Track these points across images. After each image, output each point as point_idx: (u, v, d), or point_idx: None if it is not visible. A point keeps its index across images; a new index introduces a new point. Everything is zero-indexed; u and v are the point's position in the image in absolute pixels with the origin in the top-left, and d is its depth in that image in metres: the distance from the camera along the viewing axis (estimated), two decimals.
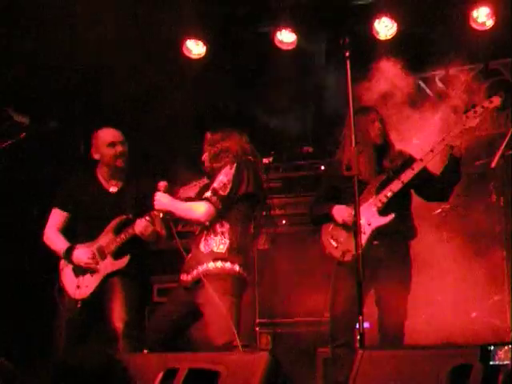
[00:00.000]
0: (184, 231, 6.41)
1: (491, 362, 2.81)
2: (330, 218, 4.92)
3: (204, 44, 7.12)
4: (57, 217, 5.34)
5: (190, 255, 4.73)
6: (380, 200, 4.84)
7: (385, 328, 4.82)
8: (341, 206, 4.87)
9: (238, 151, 4.74)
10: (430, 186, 4.98)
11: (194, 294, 4.59)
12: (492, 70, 6.96)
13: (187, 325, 4.74)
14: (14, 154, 5.43)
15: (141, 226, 5.02)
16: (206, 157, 4.88)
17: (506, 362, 2.79)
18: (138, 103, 7.30)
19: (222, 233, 4.60)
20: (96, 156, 5.29)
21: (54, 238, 5.30)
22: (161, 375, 3.44)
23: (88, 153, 5.40)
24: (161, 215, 4.84)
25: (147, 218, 5.00)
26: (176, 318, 4.66)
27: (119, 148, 5.24)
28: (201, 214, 4.58)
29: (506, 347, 2.83)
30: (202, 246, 4.65)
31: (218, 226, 4.64)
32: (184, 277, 4.68)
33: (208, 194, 4.59)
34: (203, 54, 7.14)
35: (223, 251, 4.57)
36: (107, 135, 5.28)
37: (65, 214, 5.33)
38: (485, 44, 6.63)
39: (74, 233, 5.32)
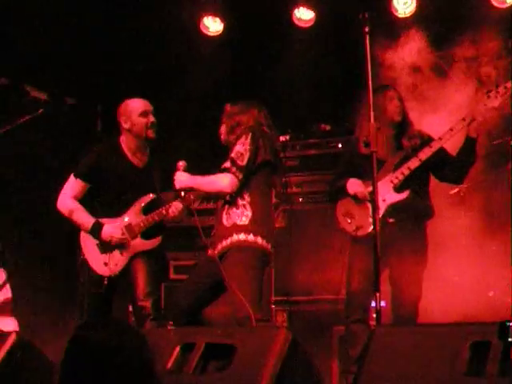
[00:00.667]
0: (201, 209, 6.42)
1: (510, 339, 2.79)
2: (344, 192, 4.92)
3: (221, 21, 7.08)
4: (75, 186, 5.18)
5: (213, 231, 4.76)
6: (397, 177, 4.83)
7: (398, 307, 4.81)
8: (355, 179, 4.86)
9: (254, 125, 4.72)
10: (446, 166, 4.97)
11: (218, 267, 4.59)
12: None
13: (211, 298, 4.76)
14: (33, 130, 5.43)
15: (177, 209, 4.95)
16: (223, 129, 4.89)
17: None
18: (156, 81, 7.30)
19: (244, 205, 4.62)
20: (126, 125, 5.13)
21: (74, 207, 5.15)
22: (177, 349, 3.45)
23: (105, 130, 5.36)
24: (182, 193, 4.81)
25: (182, 201, 4.91)
26: (200, 291, 4.68)
27: (151, 118, 5.13)
28: (225, 185, 4.58)
29: None
30: (224, 220, 4.68)
31: (239, 198, 4.66)
32: (210, 252, 4.71)
33: (227, 164, 4.58)
34: (220, 31, 7.11)
35: (246, 223, 4.59)
36: (139, 104, 5.15)
37: (84, 183, 5.17)
38: (506, 22, 6.54)
39: (89, 204, 5.23)
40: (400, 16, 6.66)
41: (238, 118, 4.79)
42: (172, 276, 6.66)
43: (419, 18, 6.58)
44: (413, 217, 4.83)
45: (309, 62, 7.00)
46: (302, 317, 6.27)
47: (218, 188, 4.66)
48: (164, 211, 5.00)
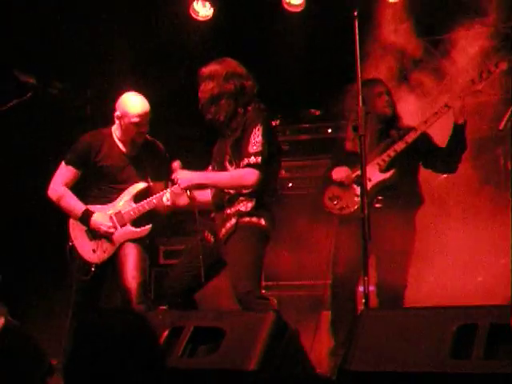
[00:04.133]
0: None
1: None
2: (331, 180, 4.96)
3: (211, 5, 7.05)
4: (66, 172, 5.16)
5: (213, 218, 4.70)
6: (383, 159, 4.86)
7: (383, 292, 4.83)
8: (341, 167, 4.89)
9: (260, 114, 4.61)
10: (436, 156, 4.98)
11: (219, 247, 4.58)
12: (502, 33, 6.88)
13: (208, 277, 4.69)
14: (21, 114, 5.40)
15: (163, 201, 4.95)
16: (203, 101, 4.67)
17: None
18: (146, 66, 7.27)
19: (249, 193, 4.55)
20: (118, 121, 5.12)
21: (64, 195, 5.14)
22: (166, 333, 3.46)
23: (95, 115, 5.34)
24: (187, 192, 4.74)
25: (167, 193, 4.92)
26: (194, 273, 4.61)
27: (143, 128, 5.08)
28: (254, 181, 4.47)
29: None
30: (227, 209, 4.59)
31: None
32: (209, 237, 4.67)
33: (252, 159, 4.46)
34: (210, 16, 7.08)
35: (249, 209, 4.54)
36: (137, 111, 5.04)
37: (75, 170, 5.15)
38: (495, 7, 6.54)
39: (79, 191, 5.22)
40: (390, 1, 6.64)
41: (216, 81, 4.61)
42: (162, 261, 6.65)
43: (410, 2, 6.57)
44: (400, 198, 4.85)
45: (299, 47, 6.98)
46: (292, 302, 6.28)
47: (243, 184, 4.53)
48: (155, 200, 5.00)
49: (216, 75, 4.61)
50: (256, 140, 4.50)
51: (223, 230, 4.58)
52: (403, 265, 4.84)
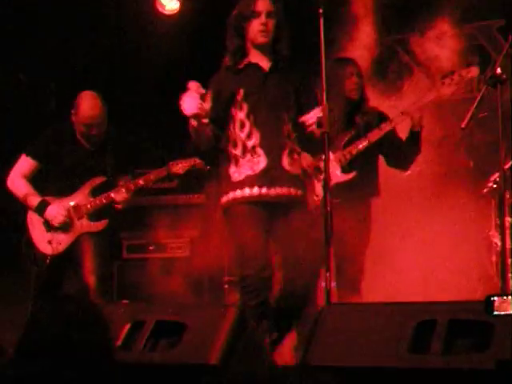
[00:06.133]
0: (155, 188, 6.40)
1: (495, 312, 2.84)
2: None
3: None
4: (26, 165, 5.21)
5: (261, 168, 4.26)
6: (344, 156, 4.85)
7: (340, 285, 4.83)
8: (305, 154, 4.59)
9: None
10: (395, 151, 5.01)
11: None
12: (468, 33, 6.94)
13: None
14: None
15: (121, 195, 5.01)
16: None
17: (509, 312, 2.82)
18: (111, 60, 7.23)
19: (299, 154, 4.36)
20: (73, 119, 5.19)
21: (22, 186, 5.20)
22: (127, 327, 3.45)
23: (59, 107, 5.34)
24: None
25: (124, 188, 5.01)
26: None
27: (93, 131, 5.16)
28: None
29: (507, 297, 2.85)
30: (286, 164, 4.29)
31: (296, 145, 4.35)
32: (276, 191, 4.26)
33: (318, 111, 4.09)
34: (177, 10, 7.04)
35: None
36: (85, 114, 5.13)
37: (35, 163, 5.21)
38: (460, 7, 6.60)
39: (38, 183, 5.24)
40: None
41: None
42: (125, 255, 6.63)
43: (375, 1, 6.61)
44: (358, 196, 4.84)
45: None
46: None
47: None
48: (112, 194, 5.06)
49: None
50: None
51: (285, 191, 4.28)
52: (359, 257, 4.85)
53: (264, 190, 4.21)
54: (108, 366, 2.58)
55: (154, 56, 7.09)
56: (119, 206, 5.10)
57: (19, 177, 5.21)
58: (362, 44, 5.54)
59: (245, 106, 4.27)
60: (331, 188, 4.44)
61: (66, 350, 2.50)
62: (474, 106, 3.96)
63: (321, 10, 4.07)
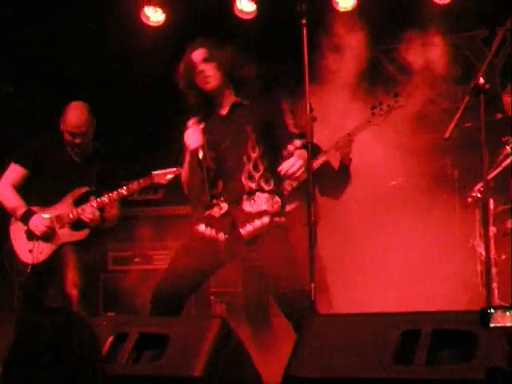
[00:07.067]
0: (140, 200, 6.39)
1: (491, 325, 2.83)
2: None
3: (163, 11, 7.03)
4: (15, 173, 5.24)
5: (221, 212, 4.26)
6: (286, 188, 4.87)
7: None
8: None
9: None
10: (327, 181, 5.05)
11: (241, 248, 4.23)
12: (452, 44, 6.99)
13: (203, 282, 4.43)
14: None
15: (88, 212, 5.03)
16: (212, 72, 4.24)
17: (507, 324, 2.81)
18: (97, 72, 7.23)
19: (270, 191, 4.26)
20: (61, 127, 5.22)
21: (9, 194, 5.21)
22: (111, 339, 3.43)
23: (48, 117, 5.35)
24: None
25: (93, 203, 5.05)
26: (198, 274, 4.27)
27: (77, 140, 5.17)
28: None
29: (505, 310, 2.84)
30: (246, 206, 4.22)
31: (263, 182, 4.26)
32: (221, 236, 4.23)
33: (298, 142, 4.11)
34: (162, 22, 7.05)
35: (277, 210, 4.25)
36: (71, 122, 5.16)
37: (24, 171, 5.23)
38: (444, 18, 6.65)
39: (25, 192, 5.24)
40: (341, 10, 6.71)
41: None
42: (110, 267, 6.61)
43: (360, 12, 6.64)
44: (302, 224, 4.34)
45: (251, 54, 6.98)
46: (241, 308, 6.27)
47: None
48: (95, 204, 5.11)
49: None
50: (293, 122, 4.26)
51: (249, 228, 4.18)
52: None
53: (213, 233, 4.25)
54: (96, 378, 2.57)
55: (141, 68, 7.10)
56: (91, 224, 5.11)
57: (7, 186, 5.22)
58: (348, 55, 5.57)
59: (210, 154, 4.28)
60: None
61: (54, 362, 2.49)
62: (457, 116, 3.96)
63: (304, 21, 4.07)
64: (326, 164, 5.08)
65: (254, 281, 4.76)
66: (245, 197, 4.23)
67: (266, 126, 4.24)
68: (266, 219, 4.19)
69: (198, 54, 4.29)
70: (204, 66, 4.25)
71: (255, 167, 4.25)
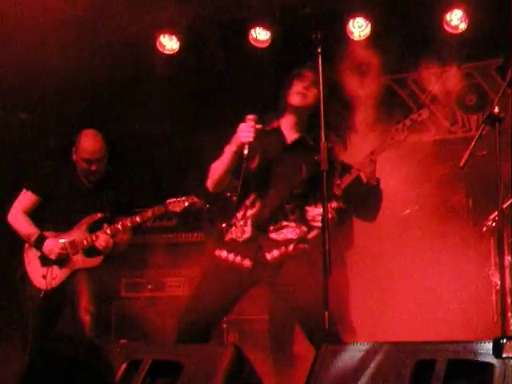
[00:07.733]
0: (153, 227, 6.40)
1: (504, 355, 2.80)
2: None
3: (178, 39, 7.07)
4: (27, 199, 5.27)
5: (245, 237, 4.25)
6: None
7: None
8: None
9: None
10: (357, 202, 4.95)
11: (266, 273, 4.22)
12: (466, 73, 7.00)
13: (231, 309, 4.41)
14: None
15: (102, 240, 5.04)
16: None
17: None
18: (111, 99, 7.27)
19: (295, 220, 4.29)
20: (74, 157, 5.26)
21: (21, 220, 5.24)
22: (124, 366, 3.42)
23: (60, 144, 5.38)
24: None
25: (107, 231, 5.06)
26: (226, 301, 4.26)
27: (93, 167, 5.22)
28: None
29: None
30: (273, 235, 4.24)
31: (290, 212, 4.30)
32: (246, 262, 4.21)
33: (334, 204, 4.29)
34: (177, 50, 7.10)
35: (301, 236, 4.27)
36: (86, 149, 5.20)
37: (35, 197, 5.27)
38: (458, 47, 6.67)
39: (38, 218, 5.27)
40: (355, 39, 6.74)
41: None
42: (122, 293, 6.60)
43: (374, 41, 6.66)
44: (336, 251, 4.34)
45: (265, 82, 7.02)
46: (254, 336, 6.25)
47: None
48: (109, 231, 5.13)
49: None
50: None
51: (275, 254, 4.20)
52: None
53: (238, 259, 4.22)
54: None
55: (155, 95, 7.14)
56: (105, 252, 5.12)
57: (20, 212, 5.26)
58: (364, 85, 5.58)
59: (259, 161, 4.27)
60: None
61: None
62: (473, 144, 3.96)
63: (319, 49, 4.08)
64: (357, 185, 4.95)
65: (280, 305, 4.73)
66: (272, 227, 4.26)
67: (316, 176, 4.11)
68: (291, 246, 4.25)
69: (308, 71, 4.31)
70: (309, 86, 4.29)
71: (292, 201, 4.29)
